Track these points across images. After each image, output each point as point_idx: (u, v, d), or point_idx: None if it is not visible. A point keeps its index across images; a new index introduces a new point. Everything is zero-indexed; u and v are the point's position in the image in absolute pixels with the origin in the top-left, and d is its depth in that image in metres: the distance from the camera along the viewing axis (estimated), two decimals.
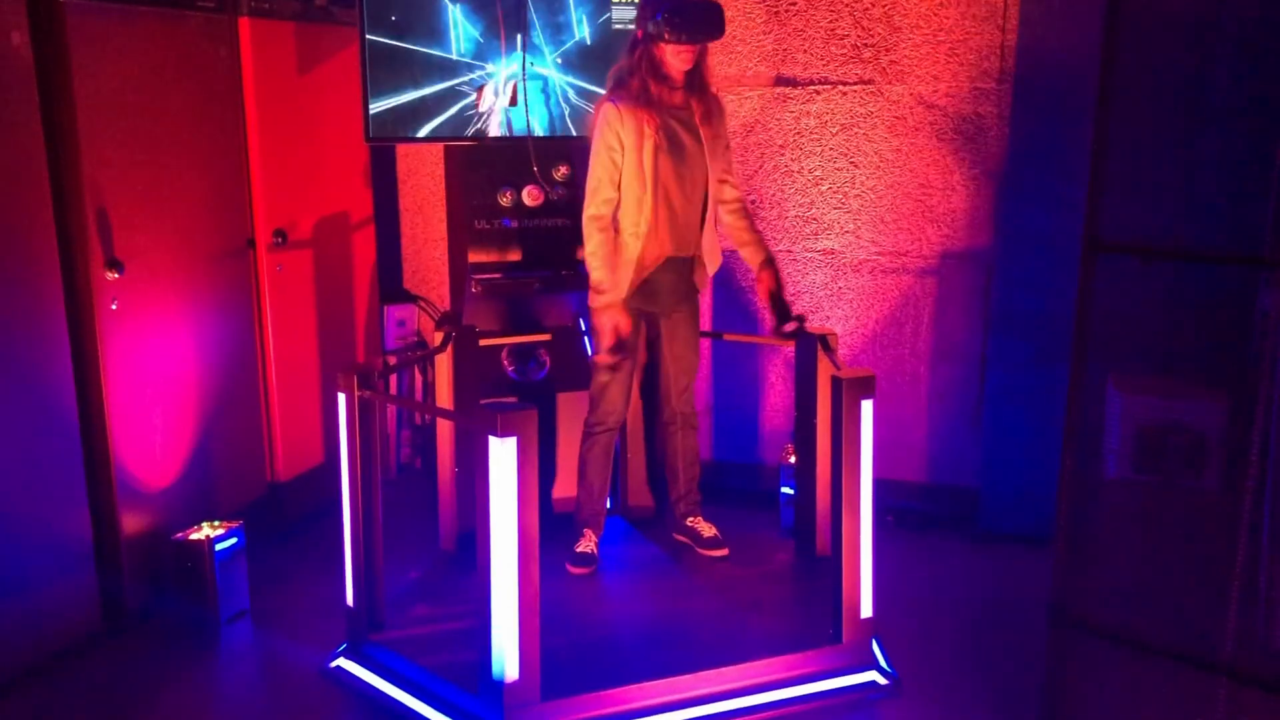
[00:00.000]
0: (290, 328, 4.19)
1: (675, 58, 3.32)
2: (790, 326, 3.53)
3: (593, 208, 3.40)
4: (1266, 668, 2.38)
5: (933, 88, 4.18)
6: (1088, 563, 2.67)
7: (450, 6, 3.74)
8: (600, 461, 3.66)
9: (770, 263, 3.58)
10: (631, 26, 3.60)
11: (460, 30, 3.77)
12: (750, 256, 3.60)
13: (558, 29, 3.88)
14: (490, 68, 3.82)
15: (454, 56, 3.78)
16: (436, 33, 3.75)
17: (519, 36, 3.83)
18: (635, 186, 3.38)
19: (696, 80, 3.42)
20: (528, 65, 3.87)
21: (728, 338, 4.30)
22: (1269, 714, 2.36)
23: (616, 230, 3.41)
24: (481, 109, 3.81)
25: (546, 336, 4.02)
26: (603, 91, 3.59)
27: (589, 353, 3.98)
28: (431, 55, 3.75)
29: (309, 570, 3.91)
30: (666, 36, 3.25)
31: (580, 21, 3.91)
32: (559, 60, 3.90)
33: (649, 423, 4.04)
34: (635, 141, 3.35)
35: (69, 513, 3.31)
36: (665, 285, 3.51)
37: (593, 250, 3.39)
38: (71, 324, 3.29)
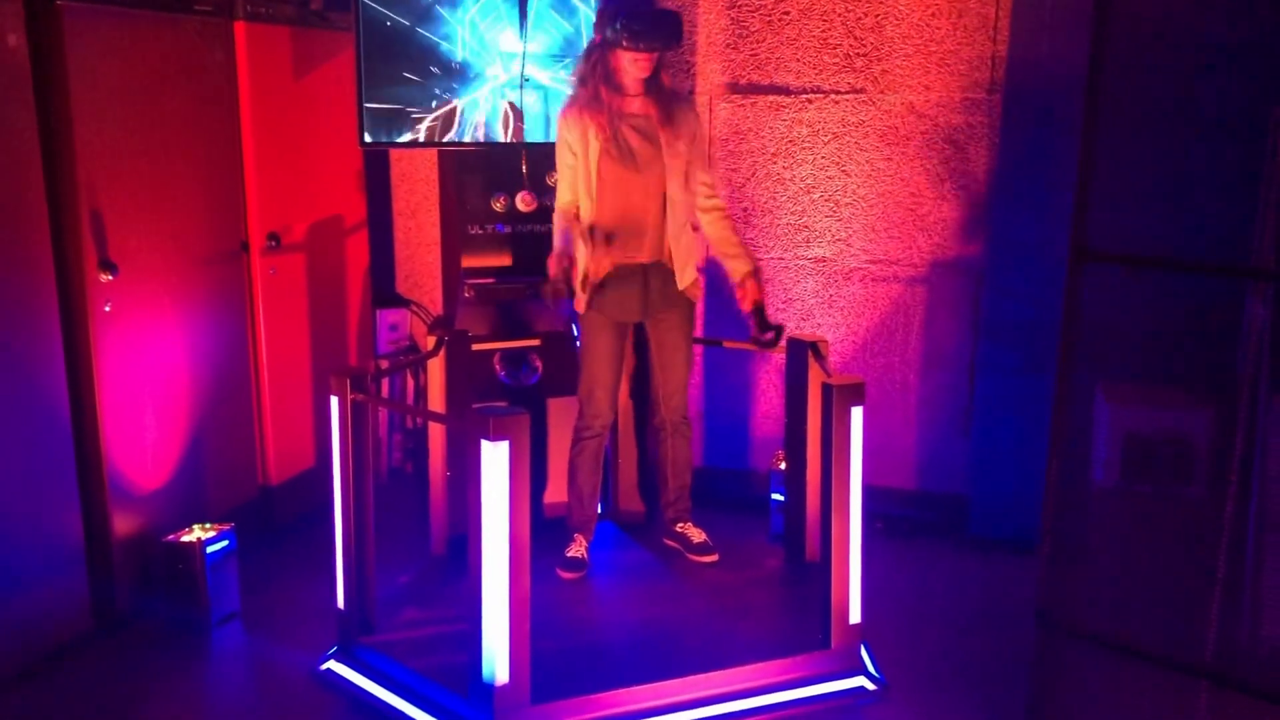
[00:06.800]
0: (283, 331, 4.19)
1: (633, 65, 3.34)
2: (768, 336, 3.52)
3: (557, 204, 3.51)
4: (1248, 672, 2.40)
5: (924, 97, 4.21)
6: (1074, 568, 2.69)
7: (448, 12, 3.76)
8: (589, 467, 3.67)
9: (753, 275, 3.53)
10: None
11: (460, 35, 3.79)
12: (734, 270, 3.57)
13: (557, 34, 3.91)
14: (490, 71, 3.84)
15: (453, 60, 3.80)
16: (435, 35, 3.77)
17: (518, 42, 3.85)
18: (585, 198, 3.44)
19: (655, 87, 3.43)
20: (524, 70, 3.89)
21: (727, 345, 4.30)
22: (1250, 717, 2.38)
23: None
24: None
25: (538, 341, 4.03)
26: None
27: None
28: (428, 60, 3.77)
29: (299, 573, 3.91)
30: (624, 44, 3.27)
31: (581, 27, 3.94)
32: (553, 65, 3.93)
33: (640, 428, 4.06)
34: (582, 149, 3.40)
35: (60, 514, 3.31)
36: (635, 294, 3.51)
37: (553, 228, 3.50)
38: (65, 326, 3.29)
